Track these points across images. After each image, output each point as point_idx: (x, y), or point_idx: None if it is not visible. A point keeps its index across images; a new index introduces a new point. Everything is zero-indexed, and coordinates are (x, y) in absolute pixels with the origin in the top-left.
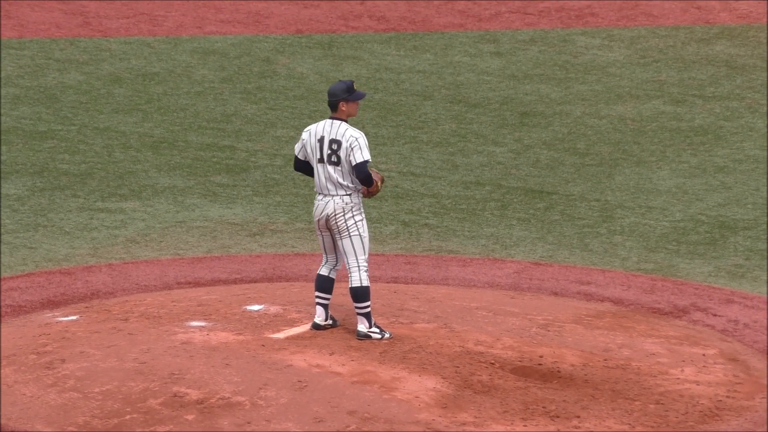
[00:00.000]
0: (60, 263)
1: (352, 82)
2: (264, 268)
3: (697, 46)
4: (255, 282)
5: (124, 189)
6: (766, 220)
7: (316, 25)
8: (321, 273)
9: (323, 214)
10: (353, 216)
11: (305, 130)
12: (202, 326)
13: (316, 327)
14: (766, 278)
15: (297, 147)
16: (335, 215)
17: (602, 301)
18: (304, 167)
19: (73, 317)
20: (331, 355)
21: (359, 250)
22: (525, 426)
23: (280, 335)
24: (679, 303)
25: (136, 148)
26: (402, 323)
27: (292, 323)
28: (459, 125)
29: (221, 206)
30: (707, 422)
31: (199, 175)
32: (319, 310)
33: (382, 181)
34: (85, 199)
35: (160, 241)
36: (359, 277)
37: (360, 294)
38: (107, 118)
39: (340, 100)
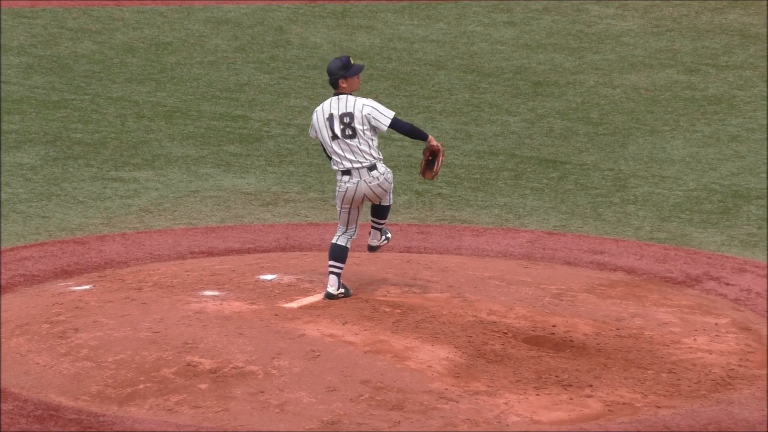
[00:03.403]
0: (73, 232)
1: (348, 57)
2: (277, 237)
3: (710, 15)
4: (268, 252)
5: (138, 158)
6: None
7: None
8: (338, 243)
9: (358, 194)
10: (389, 183)
11: (313, 112)
12: (216, 296)
13: (329, 296)
14: None
15: (310, 132)
16: (375, 195)
17: (615, 270)
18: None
19: (87, 287)
20: (344, 324)
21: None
22: (538, 395)
23: (294, 305)
24: (691, 272)
25: (150, 117)
26: (415, 293)
27: (306, 293)
28: (472, 95)
29: (234, 176)
30: (719, 391)
31: (212, 144)
32: (333, 279)
33: (440, 152)
34: (98, 168)
35: (174, 211)
36: (389, 199)
37: (387, 211)
38: (120, 87)
39: (339, 78)
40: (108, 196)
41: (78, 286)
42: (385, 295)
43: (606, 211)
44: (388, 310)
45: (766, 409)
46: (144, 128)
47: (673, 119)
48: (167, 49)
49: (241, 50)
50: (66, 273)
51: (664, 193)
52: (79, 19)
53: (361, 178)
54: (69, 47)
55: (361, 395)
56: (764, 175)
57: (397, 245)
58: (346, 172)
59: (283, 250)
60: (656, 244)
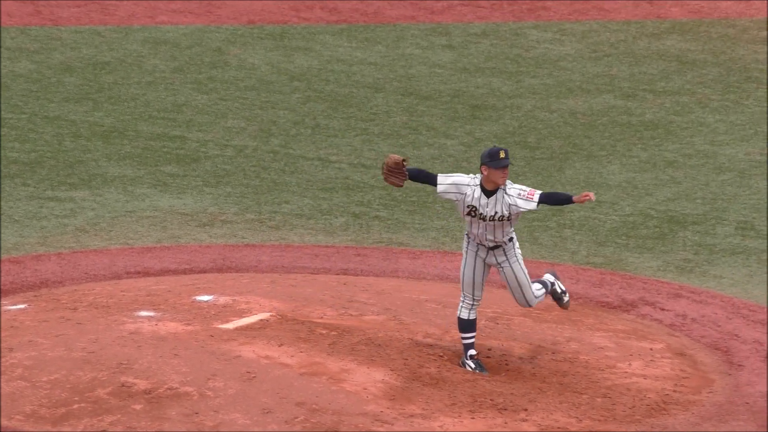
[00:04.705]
0: (9, 252)
1: (498, 149)
2: (214, 258)
3: (648, 41)
4: (204, 272)
5: (74, 178)
6: (714, 215)
7: (267, 15)
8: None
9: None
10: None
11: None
12: (151, 316)
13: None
14: None
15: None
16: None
17: None
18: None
19: (22, 306)
20: (279, 346)
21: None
22: (473, 418)
23: (229, 326)
24: (627, 297)
25: (87, 137)
26: (351, 315)
27: (242, 314)
28: (410, 118)
29: (171, 196)
30: (654, 416)
31: (149, 164)
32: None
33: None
34: (34, 187)
35: (110, 231)
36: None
37: (458, 325)
38: (57, 106)
39: (481, 165)
40: (44, 216)
41: (13, 305)
42: (322, 317)
43: (542, 235)
44: (324, 332)
45: None
46: (81, 148)
47: (610, 144)
48: (105, 68)
49: (179, 71)
50: (1, 292)
51: (600, 217)
52: (17, 38)
53: None
54: (6, 66)
55: (296, 417)
56: (700, 201)
57: (334, 267)
58: None
59: (220, 271)
60: (592, 269)
